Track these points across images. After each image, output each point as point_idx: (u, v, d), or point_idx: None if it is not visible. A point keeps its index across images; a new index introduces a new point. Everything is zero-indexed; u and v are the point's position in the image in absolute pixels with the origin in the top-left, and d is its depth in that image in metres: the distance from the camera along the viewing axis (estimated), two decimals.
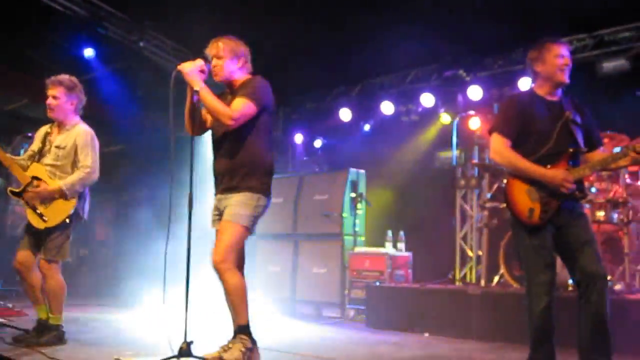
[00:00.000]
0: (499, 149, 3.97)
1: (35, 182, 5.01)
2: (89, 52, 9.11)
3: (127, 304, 8.64)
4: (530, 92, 4.14)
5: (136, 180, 11.49)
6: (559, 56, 3.97)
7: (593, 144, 4.05)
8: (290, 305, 8.88)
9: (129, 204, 11.95)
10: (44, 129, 5.29)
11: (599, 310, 3.69)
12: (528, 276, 3.95)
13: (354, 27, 8.37)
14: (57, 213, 4.96)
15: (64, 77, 5.20)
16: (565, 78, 3.98)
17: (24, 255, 5.03)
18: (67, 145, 5.09)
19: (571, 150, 3.90)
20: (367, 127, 10.25)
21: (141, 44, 9.31)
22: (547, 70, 4.00)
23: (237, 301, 4.09)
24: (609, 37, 7.81)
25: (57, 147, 5.10)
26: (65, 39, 8.91)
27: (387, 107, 9.63)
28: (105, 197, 11.73)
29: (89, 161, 5.04)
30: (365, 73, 9.84)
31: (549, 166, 3.84)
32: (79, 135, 5.11)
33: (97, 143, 5.20)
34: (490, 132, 4.08)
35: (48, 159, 5.11)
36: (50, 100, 5.14)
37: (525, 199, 3.88)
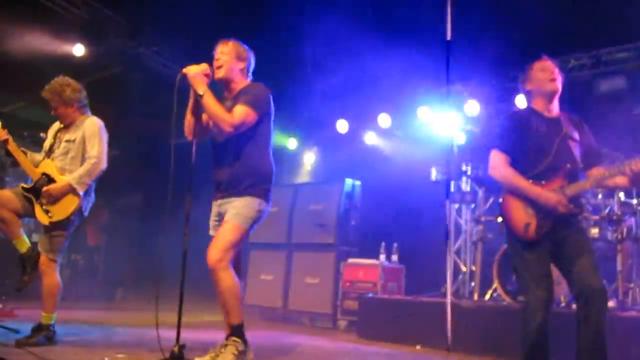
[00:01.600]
0: (498, 165, 4.00)
1: (45, 179, 5.03)
2: (79, 51, 9.03)
3: (119, 308, 8.61)
4: (529, 109, 4.18)
5: (131, 186, 11.47)
6: (544, 69, 4.07)
7: (592, 160, 4.07)
8: (282, 314, 8.86)
9: (123, 211, 11.92)
10: (55, 126, 5.34)
11: (598, 325, 3.68)
12: (524, 291, 3.95)
13: (353, 41, 8.41)
14: (61, 209, 4.97)
15: (56, 84, 5.22)
16: (556, 86, 4.04)
17: (7, 195, 5.01)
18: (77, 137, 5.13)
19: (569, 166, 3.92)
20: (364, 139, 10.29)
21: (140, 49, 9.32)
22: (536, 85, 4.10)
23: (230, 300, 4.09)
24: (606, 57, 7.88)
25: (67, 141, 5.15)
26: (64, 41, 8.90)
27: (384, 120, 9.66)
28: (98, 203, 11.68)
29: (95, 151, 5.06)
30: (364, 85, 9.88)
31: (544, 182, 3.87)
32: (87, 126, 5.15)
33: (105, 134, 5.23)
34: (488, 148, 4.11)
35: (57, 154, 5.15)
36: (54, 112, 5.23)
37: (521, 214, 3.90)
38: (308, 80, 9.32)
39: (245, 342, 4.12)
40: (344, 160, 10.31)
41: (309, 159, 11.17)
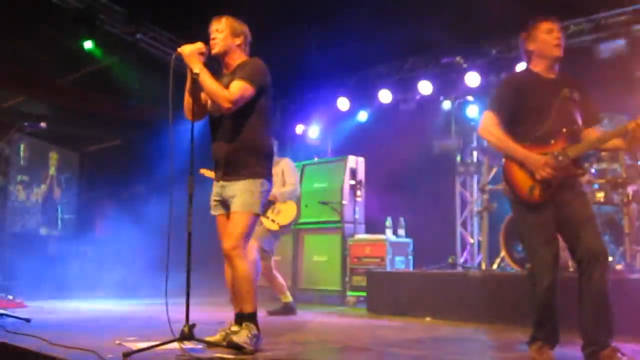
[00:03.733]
0: (488, 126, 3.92)
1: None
2: (88, 45, 9.03)
3: (129, 295, 8.66)
4: (528, 71, 4.11)
5: (136, 174, 11.46)
6: (550, 31, 3.96)
7: (589, 120, 4.01)
8: (292, 293, 8.86)
9: (129, 199, 11.92)
10: None
11: (600, 288, 3.64)
12: (530, 255, 3.93)
13: (351, 16, 8.36)
14: (283, 217, 6.63)
15: None
16: (560, 52, 3.94)
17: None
18: (278, 173, 6.69)
19: (569, 127, 3.86)
20: (364, 115, 10.28)
21: (137, 36, 9.28)
22: (539, 47, 3.98)
23: (245, 288, 4.09)
24: (606, 21, 7.78)
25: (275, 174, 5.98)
26: (61, 33, 8.87)
27: (385, 96, 9.62)
28: (104, 193, 11.71)
29: (294, 180, 6.89)
30: (363, 62, 9.82)
31: (552, 141, 3.80)
32: (286, 165, 6.93)
33: None
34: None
35: None
36: None
37: (525, 177, 3.83)
38: (309, 59, 9.28)
39: (258, 329, 4.09)
40: (347, 137, 10.31)
41: (312, 138, 11.13)
